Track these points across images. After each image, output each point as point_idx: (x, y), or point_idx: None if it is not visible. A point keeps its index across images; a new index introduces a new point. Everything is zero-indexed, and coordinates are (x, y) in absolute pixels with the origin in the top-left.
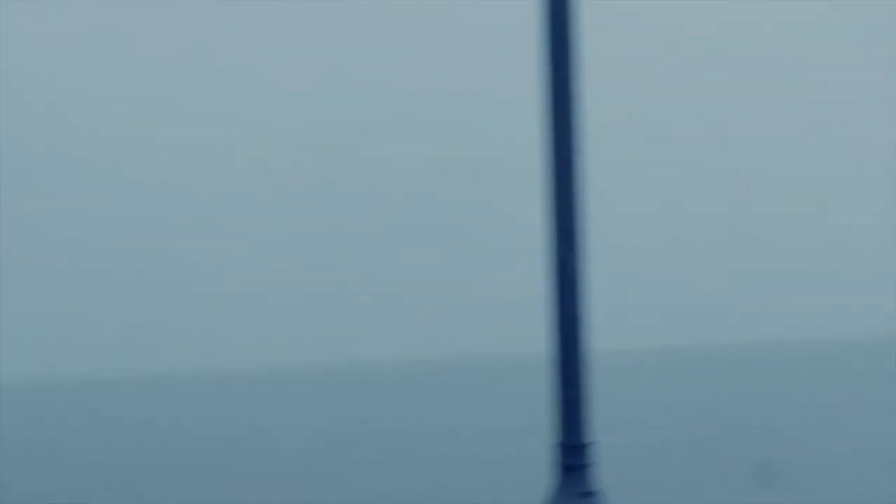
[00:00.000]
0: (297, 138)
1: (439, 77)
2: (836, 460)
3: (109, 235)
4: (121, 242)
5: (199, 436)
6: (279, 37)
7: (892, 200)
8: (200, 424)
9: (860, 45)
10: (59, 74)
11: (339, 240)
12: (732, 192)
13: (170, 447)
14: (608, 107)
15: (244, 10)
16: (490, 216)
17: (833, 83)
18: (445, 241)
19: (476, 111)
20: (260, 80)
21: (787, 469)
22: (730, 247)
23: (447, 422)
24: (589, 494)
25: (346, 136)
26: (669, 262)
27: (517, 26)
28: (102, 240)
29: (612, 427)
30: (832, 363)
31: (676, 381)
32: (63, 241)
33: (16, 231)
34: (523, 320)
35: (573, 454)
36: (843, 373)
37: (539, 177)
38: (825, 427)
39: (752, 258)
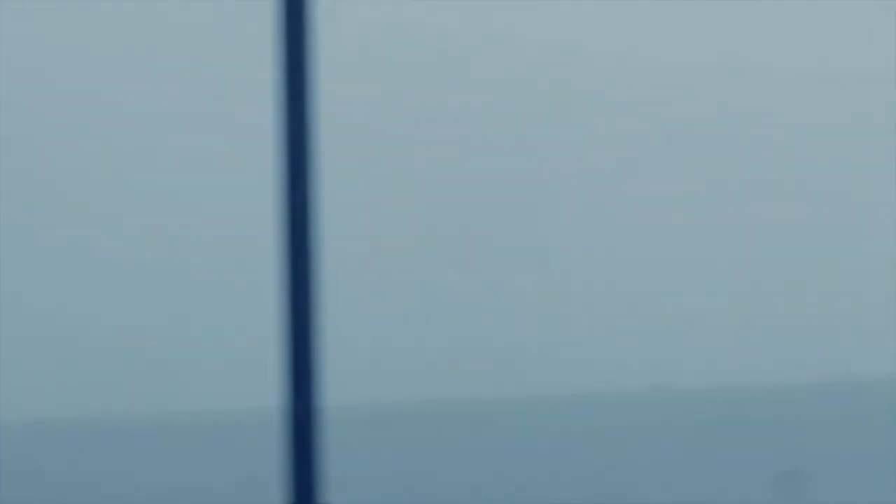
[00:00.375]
0: None
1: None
2: None
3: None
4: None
5: None
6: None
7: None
8: None
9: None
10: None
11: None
12: (495, 229)
13: None
14: (350, 142)
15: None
16: (216, 259)
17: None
18: (173, 291)
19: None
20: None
21: None
22: (485, 293)
23: (171, 481)
24: None
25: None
26: (413, 310)
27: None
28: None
29: (348, 486)
30: (594, 417)
31: (417, 437)
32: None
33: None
34: (253, 372)
35: None
36: (603, 428)
37: (272, 222)
38: (572, 481)
39: (501, 304)
